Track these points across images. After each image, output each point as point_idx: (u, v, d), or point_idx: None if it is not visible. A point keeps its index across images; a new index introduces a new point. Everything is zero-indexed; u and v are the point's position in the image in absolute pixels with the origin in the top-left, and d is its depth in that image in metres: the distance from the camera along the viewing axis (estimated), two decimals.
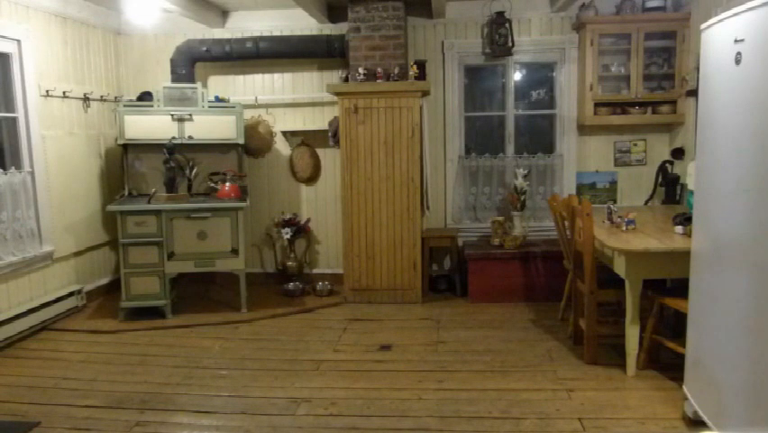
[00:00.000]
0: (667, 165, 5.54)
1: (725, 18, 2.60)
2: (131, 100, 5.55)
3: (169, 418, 3.36)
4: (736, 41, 2.48)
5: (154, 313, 5.08)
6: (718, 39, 2.69)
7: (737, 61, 2.47)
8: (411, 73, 5.35)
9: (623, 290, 3.65)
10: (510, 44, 5.63)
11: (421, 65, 5.45)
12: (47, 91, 5.01)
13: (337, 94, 5.36)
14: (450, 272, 5.85)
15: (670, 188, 5.45)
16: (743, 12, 2.42)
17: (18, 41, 4.72)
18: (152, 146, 5.34)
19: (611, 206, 4.39)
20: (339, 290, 5.73)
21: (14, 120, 4.78)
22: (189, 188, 5.48)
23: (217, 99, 5.58)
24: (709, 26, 2.80)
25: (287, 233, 5.87)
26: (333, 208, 6.08)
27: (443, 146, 5.94)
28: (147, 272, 5.04)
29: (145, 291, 5.07)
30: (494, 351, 4.24)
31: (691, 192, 3.72)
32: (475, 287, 5.47)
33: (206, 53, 5.76)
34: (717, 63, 2.70)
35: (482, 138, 6.11)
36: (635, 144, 5.82)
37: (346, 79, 5.47)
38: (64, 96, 5.22)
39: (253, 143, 6.00)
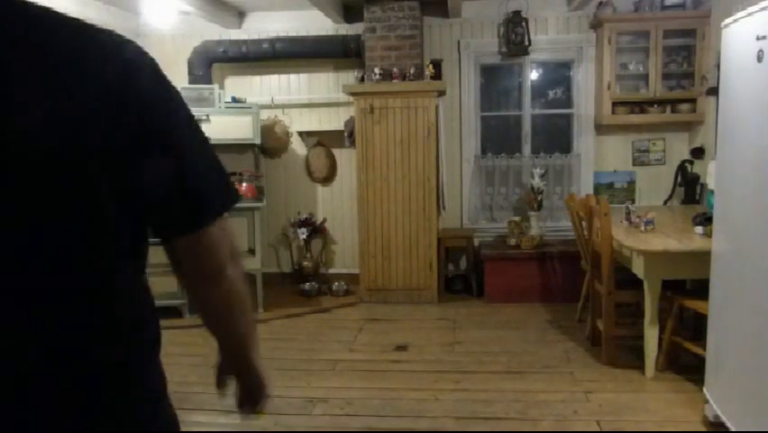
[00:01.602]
0: (686, 165, 5.47)
1: (747, 15, 2.56)
2: None
3: (186, 416, 3.37)
4: (758, 38, 2.44)
5: (171, 312, 5.12)
6: (740, 36, 2.65)
7: (759, 59, 2.43)
8: (427, 73, 5.34)
9: (641, 291, 3.61)
10: (527, 43, 5.60)
11: (437, 65, 5.44)
12: None
13: (353, 94, 5.36)
14: (466, 273, 5.82)
15: (689, 188, 5.38)
16: (766, 8, 2.38)
17: None
18: None
19: (630, 205, 4.35)
20: (355, 289, 5.73)
21: None
22: None
23: (234, 100, 5.62)
24: (731, 23, 2.76)
25: (303, 233, 5.88)
26: (348, 208, 6.09)
27: (459, 146, 5.92)
28: (164, 272, 5.03)
29: (162, 291, 5.08)
30: (511, 352, 4.22)
31: (712, 192, 3.67)
32: (491, 287, 5.44)
33: (223, 54, 5.79)
34: (739, 61, 2.65)
35: (499, 138, 6.07)
36: (654, 144, 5.75)
37: (362, 80, 5.47)
38: None
39: (270, 144, 6.02)
